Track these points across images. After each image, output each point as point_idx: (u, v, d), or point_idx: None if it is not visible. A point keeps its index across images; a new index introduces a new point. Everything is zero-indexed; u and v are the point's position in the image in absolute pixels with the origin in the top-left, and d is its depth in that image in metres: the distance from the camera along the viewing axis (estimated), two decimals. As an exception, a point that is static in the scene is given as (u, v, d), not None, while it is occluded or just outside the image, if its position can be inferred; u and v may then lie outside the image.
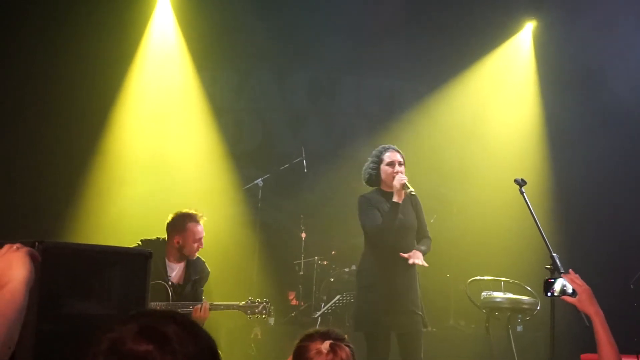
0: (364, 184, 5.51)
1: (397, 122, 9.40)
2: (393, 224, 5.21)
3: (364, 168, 5.47)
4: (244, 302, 5.27)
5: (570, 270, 2.97)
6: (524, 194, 4.81)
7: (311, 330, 2.51)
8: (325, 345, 2.38)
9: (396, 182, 5.21)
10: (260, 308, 5.26)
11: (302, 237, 8.46)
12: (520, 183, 4.85)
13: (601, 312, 2.79)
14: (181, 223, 5.32)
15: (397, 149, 5.36)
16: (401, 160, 5.34)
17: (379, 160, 5.37)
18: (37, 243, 2.67)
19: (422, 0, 9.08)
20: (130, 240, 5.43)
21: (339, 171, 9.15)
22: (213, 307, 5.20)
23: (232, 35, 8.86)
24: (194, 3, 8.69)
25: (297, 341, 2.47)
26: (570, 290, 2.88)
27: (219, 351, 4.32)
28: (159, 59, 8.66)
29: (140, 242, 5.30)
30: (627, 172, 8.51)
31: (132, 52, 8.53)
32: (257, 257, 7.95)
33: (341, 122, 9.90)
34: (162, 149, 8.55)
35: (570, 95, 8.76)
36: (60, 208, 7.89)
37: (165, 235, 5.38)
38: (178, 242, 5.30)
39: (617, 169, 8.57)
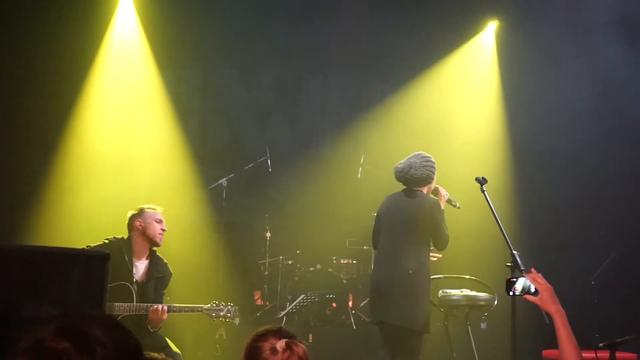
0: (407, 178, 5.64)
1: (362, 121, 9.44)
2: None
3: (419, 166, 5.61)
4: (208, 305, 5.25)
5: (532, 269, 2.99)
6: (485, 192, 4.86)
7: (261, 329, 2.46)
8: (281, 344, 2.36)
9: (444, 193, 5.75)
10: (224, 311, 5.25)
11: (267, 237, 8.45)
12: (481, 181, 4.91)
13: (563, 311, 2.81)
14: (140, 211, 5.37)
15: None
16: None
17: (435, 170, 5.67)
18: (-10, 246, 2.62)
19: (387, 0, 9.10)
20: (93, 240, 5.36)
21: (304, 170, 9.17)
22: (177, 310, 5.17)
23: (196, 34, 8.81)
24: (157, 2, 8.61)
25: (247, 341, 2.43)
26: (532, 289, 2.90)
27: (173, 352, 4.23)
28: (122, 59, 8.57)
29: (106, 241, 5.25)
30: (588, 168, 8.63)
31: (94, 51, 8.42)
32: (222, 257, 7.92)
33: (306, 121, 9.90)
34: (125, 149, 8.47)
35: (531, 94, 8.86)
36: (20, 210, 7.77)
37: (122, 234, 5.34)
38: (140, 224, 5.28)
39: (577, 166, 8.69)
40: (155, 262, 5.37)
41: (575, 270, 7.91)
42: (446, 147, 9.11)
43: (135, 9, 8.59)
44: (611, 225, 8.49)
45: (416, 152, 5.72)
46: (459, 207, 5.93)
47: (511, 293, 2.99)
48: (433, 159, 5.68)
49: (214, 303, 5.28)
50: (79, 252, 3.41)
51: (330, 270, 8.38)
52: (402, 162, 5.70)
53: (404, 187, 5.72)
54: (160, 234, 5.35)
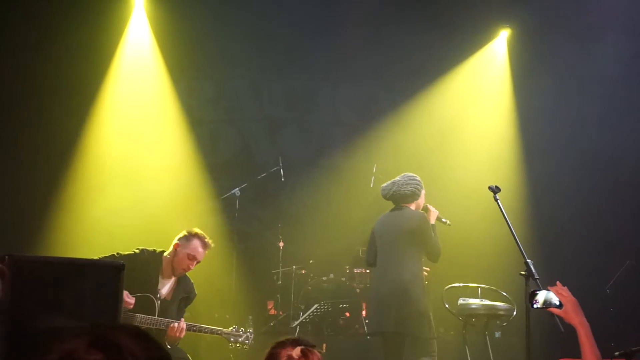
0: (392, 195, 5.97)
1: (374, 130, 9.44)
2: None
3: (402, 183, 5.93)
4: (228, 330, 5.30)
5: (558, 282, 3.00)
6: (498, 200, 4.84)
7: (282, 338, 2.56)
8: (297, 351, 2.46)
9: (434, 210, 5.98)
10: (243, 338, 5.31)
11: (280, 247, 8.44)
12: (495, 190, 4.89)
13: (587, 323, 2.83)
14: (190, 237, 5.34)
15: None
16: None
17: (422, 187, 5.97)
18: (6, 257, 2.64)
19: (398, 9, 9.11)
20: (106, 251, 5.37)
21: (317, 180, 9.17)
22: (197, 329, 5.23)
23: (209, 45, 8.84)
24: (169, 13, 8.65)
25: (267, 349, 2.52)
26: (555, 302, 2.91)
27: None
28: (135, 70, 8.61)
29: (136, 250, 5.28)
30: (603, 177, 8.59)
31: (108, 62, 8.47)
32: (235, 267, 7.91)
33: (318, 131, 9.91)
34: (138, 159, 8.50)
35: (543, 102, 8.83)
36: (34, 220, 7.81)
37: (163, 249, 5.36)
38: (176, 249, 5.29)
39: (591, 174, 8.65)
40: (182, 282, 5.40)
41: (590, 279, 7.86)
42: (458, 156, 9.11)
43: (147, 20, 8.64)
44: (626, 233, 8.43)
45: (404, 173, 6.04)
46: (449, 224, 6.13)
47: (535, 305, 2.99)
48: (418, 178, 5.99)
49: (234, 328, 5.33)
50: (94, 263, 3.43)
51: (343, 279, 8.36)
52: (387, 182, 6.06)
53: (394, 205, 6.01)
54: (184, 269, 5.34)
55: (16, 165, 7.89)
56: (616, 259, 8.15)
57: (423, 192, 5.95)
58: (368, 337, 7.89)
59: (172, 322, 5.09)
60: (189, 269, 5.33)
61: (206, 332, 5.31)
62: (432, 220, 5.90)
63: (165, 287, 5.32)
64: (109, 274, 3.15)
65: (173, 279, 5.36)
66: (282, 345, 2.50)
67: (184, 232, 5.37)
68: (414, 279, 5.66)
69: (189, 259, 5.28)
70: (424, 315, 5.61)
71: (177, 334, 5.06)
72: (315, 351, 2.49)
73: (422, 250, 5.78)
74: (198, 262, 5.35)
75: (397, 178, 5.98)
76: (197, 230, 5.39)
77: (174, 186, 8.46)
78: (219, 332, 5.28)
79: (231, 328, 5.32)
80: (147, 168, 8.47)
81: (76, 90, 8.21)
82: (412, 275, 5.66)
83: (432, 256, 5.80)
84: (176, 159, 8.75)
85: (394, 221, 5.92)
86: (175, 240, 5.34)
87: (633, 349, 3.57)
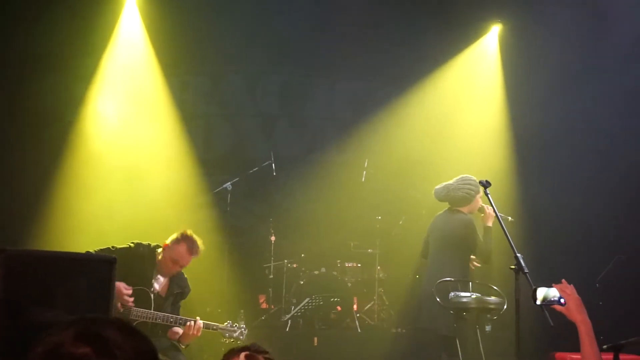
0: (446, 198, 6.18)
1: (366, 125, 9.45)
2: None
3: (455, 187, 6.10)
4: (223, 325, 5.33)
5: (563, 280, 3.06)
6: (489, 195, 4.87)
7: (234, 346, 2.58)
8: (241, 357, 2.45)
9: (489, 211, 6.03)
10: (237, 333, 5.34)
11: (271, 241, 8.46)
12: (485, 185, 4.92)
13: (588, 322, 2.89)
14: (180, 239, 5.30)
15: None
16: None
17: (477, 190, 6.05)
18: (-1, 251, 2.65)
19: (390, 4, 9.12)
20: (99, 246, 5.38)
21: (309, 174, 9.18)
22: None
23: (202, 40, 8.83)
24: (162, 7, 8.62)
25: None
26: (556, 299, 2.96)
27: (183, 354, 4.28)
28: (127, 65, 8.59)
29: (131, 244, 5.29)
30: (593, 171, 8.63)
31: (100, 56, 8.45)
32: (227, 261, 7.93)
33: (311, 126, 9.92)
34: (131, 154, 8.49)
35: (535, 97, 8.86)
36: (28, 215, 7.80)
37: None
38: (164, 248, 5.30)
39: (582, 168, 8.69)
40: (176, 278, 5.42)
41: (579, 273, 7.89)
42: (450, 150, 9.13)
43: (140, 14, 8.62)
44: (615, 227, 8.47)
45: (461, 175, 6.20)
46: (511, 220, 6.31)
47: (538, 302, 3.04)
48: (474, 181, 6.07)
49: (228, 323, 5.35)
50: (86, 257, 3.43)
51: (335, 273, 8.39)
52: (441, 184, 6.25)
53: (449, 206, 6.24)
54: (168, 271, 5.35)
55: (9, 161, 7.87)
56: (606, 253, 8.21)
57: (479, 195, 6.07)
58: (359, 331, 7.95)
59: (184, 319, 5.12)
60: (174, 270, 5.33)
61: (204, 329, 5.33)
62: (489, 222, 6.07)
63: (160, 283, 5.34)
64: (102, 267, 3.17)
65: (168, 275, 5.38)
66: (231, 353, 2.51)
67: (176, 234, 5.33)
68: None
69: (172, 262, 5.28)
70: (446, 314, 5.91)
71: (195, 332, 5.09)
72: (261, 357, 2.50)
73: (467, 254, 6.07)
74: (183, 267, 5.34)
75: (451, 181, 6.16)
76: (189, 233, 5.33)
77: (166, 180, 8.46)
78: (215, 327, 5.30)
79: (226, 323, 5.35)
80: (140, 163, 8.46)
81: (68, 85, 8.19)
82: (457, 277, 5.97)
83: (482, 258, 6.09)
84: (169, 153, 8.74)
85: (442, 224, 6.20)
86: (167, 241, 5.33)
87: (622, 342, 3.61)
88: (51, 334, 1.42)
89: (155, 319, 5.09)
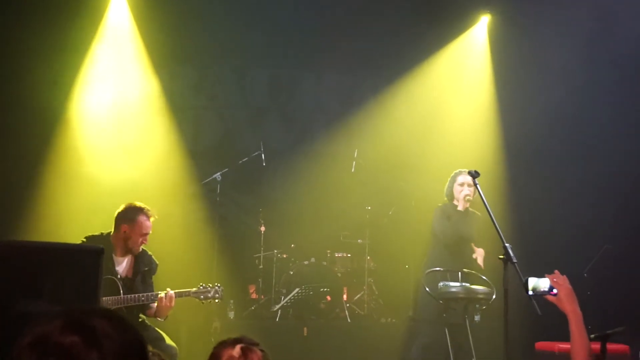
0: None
1: (355, 116, 9.45)
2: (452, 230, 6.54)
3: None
4: (195, 289, 5.30)
5: (556, 271, 3.08)
6: (478, 185, 4.88)
7: (225, 338, 2.57)
8: (237, 350, 2.44)
9: (461, 195, 6.50)
10: (212, 293, 5.32)
11: (261, 231, 8.46)
12: (474, 175, 4.93)
13: (579, 312, 2.92)
14: (132, 214, 5.31)
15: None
16: (470, 182, 6.10)
17: (453, 181, 6.62)
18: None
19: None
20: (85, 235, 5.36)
21: (298, 165, 9.18)
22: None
23: (190, 31, 8.77)
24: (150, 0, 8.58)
25: (211, 350, 2.54)
26: (544, 289, 2.98)
27: (174, 344, 4.28)
28: (115, 56, 8.53)
29: (85, 239, 5.26)
30: (582, 163, 8.66)
31: (87, 47, 8.39)
32: (216, 252, 7.92)
33: (300, 117, 9.90)
34: (119, 145, 8.46)
35: (524, 88, 8.87)
36: (13, 206, 7.76)
37: (109, 229, 5.34)
38: (125, 232, 5.27)
39: (571, 160, 8.73)
40: (140, 257, 5.39)
41: (568, 263, 7.91)
42: (439, 141, 9.14)
43: (128, 6, 8.56)
44: (603, 218, 8.52)
45: None
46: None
47: (530, 292, 3.07)
48: (453, 173, 6.67)
49: (201, 286, 5.32)
50: (72, 247, 3.42)
51: (324, 263, 8.40)
52: None
53: None
54: (140, 245, 5.34)
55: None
56: (594, 243, 8.24)
57: (456, 183, 6.59)
58: (349, 321, 7.97)
59: (142, 296, 5.11)
60: (143, 243, 5.34)
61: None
62: (462, 205, 6.53)
63: (122, 266, 5.31)
64: (89, 258, 3.15)
65: (129, 256, 5.35)
66: (223, 344, 2.51)
67: (123, 211, 5.31)
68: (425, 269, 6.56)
69: (142, 236, 5.29)
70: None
71: (169, 303, 5.07)
72: (256, 349, 2.50)
73: (435, 241, 6.69)
74: (149, 233, 5.35)
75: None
76: (136, 204, 5.34)
77: (155, 171, 8.43)
78: (187, 293, 5.27)
79: (197, 287, 5.31)
80: (128, 154, 8.43)
81: (55, 76, 8.14)
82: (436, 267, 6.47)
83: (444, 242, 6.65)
84: (158, 144, 8.71)
85: None
86: (120, 222, 5.29)
87: (608, 332, 3.63)
88: (38, 324, 1.41)
89: (127, 302, 5.07)
